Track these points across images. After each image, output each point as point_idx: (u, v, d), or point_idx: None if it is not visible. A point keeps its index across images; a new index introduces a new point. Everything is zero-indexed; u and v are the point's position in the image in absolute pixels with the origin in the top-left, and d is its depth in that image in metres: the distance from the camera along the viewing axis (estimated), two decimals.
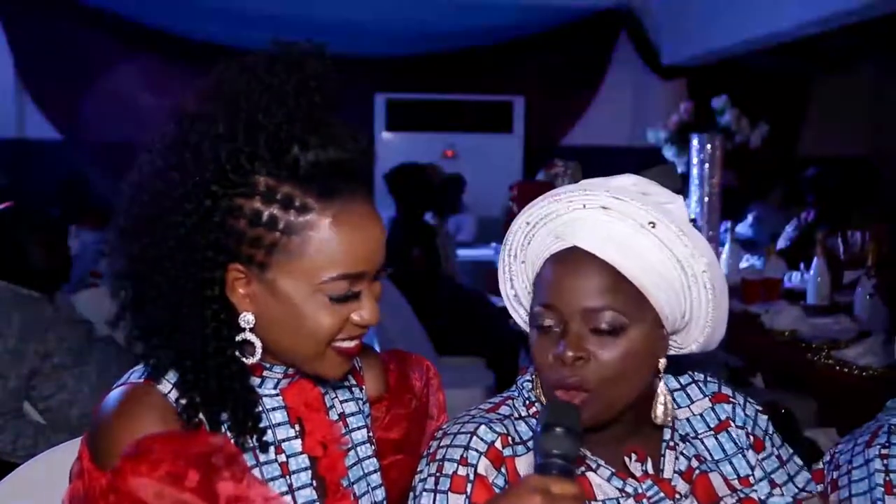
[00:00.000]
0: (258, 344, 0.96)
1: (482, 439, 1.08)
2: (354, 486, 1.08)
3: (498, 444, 1.08)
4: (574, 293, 1.05)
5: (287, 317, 0.95)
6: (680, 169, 4.89)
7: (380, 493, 1.12)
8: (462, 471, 1.06)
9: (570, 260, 1.06)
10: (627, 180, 1.09)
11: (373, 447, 1.14)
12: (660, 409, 1.10)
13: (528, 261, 1.14)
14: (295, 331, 0.95)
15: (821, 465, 1.26)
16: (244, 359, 0.98)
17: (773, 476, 1.16)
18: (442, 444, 1.10)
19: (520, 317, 1.21)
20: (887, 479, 1.16)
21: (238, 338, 0.96)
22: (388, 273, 1.05)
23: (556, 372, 1.06)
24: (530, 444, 1.11)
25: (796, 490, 1.18)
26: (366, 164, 0.98)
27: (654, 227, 1.03)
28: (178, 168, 0.92)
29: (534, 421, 1.13)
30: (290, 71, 0.93)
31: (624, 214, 1.04)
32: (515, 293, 1.19)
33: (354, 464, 1.10)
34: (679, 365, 1.20)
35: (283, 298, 0.94)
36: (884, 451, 1.18)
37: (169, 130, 0.95)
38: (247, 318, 0.95)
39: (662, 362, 1.10)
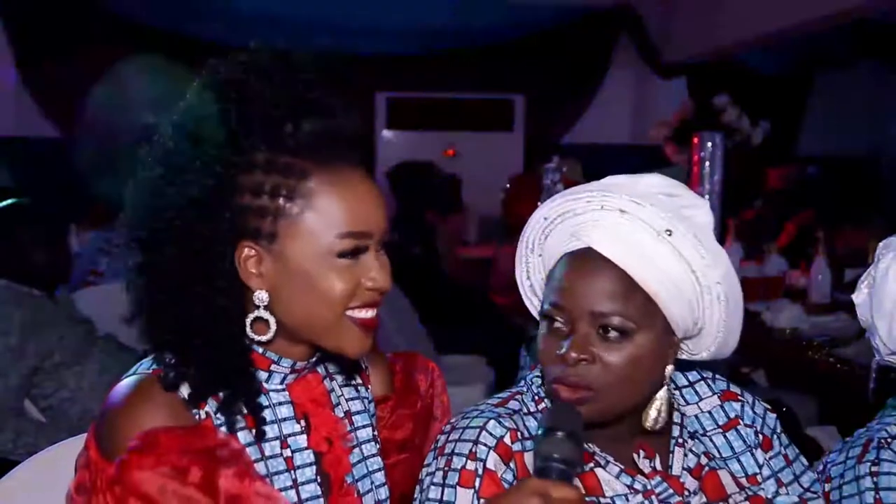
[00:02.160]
0: (272, 321, 0.97)
1: (491, 434, 1.08)
2: (358, 484, 1.08)
3: (507, 439, 1.08)
4: (584, 296, 1.04)
5: (300, 286, 0.96)
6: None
7: (383, 492, 1.12)
8: (471, 465, 1.06)
9: (584, 261, 1.06)
10: (655, 181, 1.08)
11: (377, 446, 1.14)
12: (652, 415, 1.09)
13: (546, 255, 1.14)
14: (309, 299, 0.97)
15: (814, 475, 1.26)
16: (256, 337, 0.98)
17: (779, 475, 1.16)
18: (451, 438, 1.10)
19: (534, 306, 1.21)
20: (877, 496, 1.16)
21: (251, 317, 0.97)
22: (393, 240, 1.08)
23: (558, 368, 1.06)
24: None
25: (801, 490, 1.17)
26: (356, 132, 1.01)
27: (670, 234, 1.03)
28: (179, 154, 0.95)
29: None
30: (275, 57, 0.98)
31: (641, 219, 1.04)
32: (531, 284, 1.19)
33: (359, 461, 1.10)
34: (686, 362, 1.21)
35: (294, 267, 0.96)
36: (874, 469, 1.17)
37: (169, 121, 0.99)
38: (261, 297, 0.97)
39: (670, 369, 1.10)
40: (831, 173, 4.39)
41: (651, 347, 1.05)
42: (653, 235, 1.03)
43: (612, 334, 1.04)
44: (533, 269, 1.17)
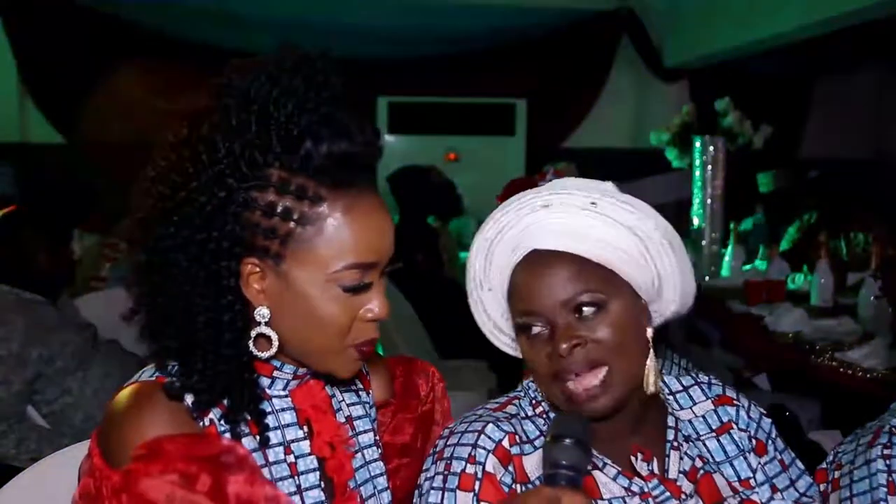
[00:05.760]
0: (275, 337, 0.97)
1: (490, 437, 1.10)
2: (361, 489, 1.09)
3: (505, 443, 1.10)
4: (548, 291, 1.07)
5: (301, 309, 0.95)
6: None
7: (386, 497, 1.12)
8: (470, 469, 1.07)
9: (533, 263, 1.10)
10: (563, 181, 1.13)
11: (379, 451, 1.14)
12: (651, 379, 1.12)
13: (496, 285, 1.16)
14: (308, 323, 0.96)
15: (824, 466, 1.27)
16: (258, 353, 0.98)
17: (774, 481, 1.17)
18: (449, 442, 1.11)
19: (504, 343, 1.23)
20: (890, 479, 1.16)
21: (253, 332, 0.97)
22: (397, 267, 1.07)
23: (556, 364, 1.07)
24: (537, 442, 1.12)
25: (797, 495, 1.18)
26: (374, 157, 0.99)
27: (595, 205, 1.07)
28: (192, 161, 0.93)
29: (541, 420, 1.15)
30: (297, 68, 0.94)
31: (565, 204, 1.08)
32: (494, 322, 1.21)
33: (361, 466, 1.10)
34: (686, 370, 1.22)
35: (297, 290, 0.95)
36: (886, 452, 1.18)
37: (181, 125, 0.97)
38: (262, 313, 0.96)
39: (649, 332, 1.13)
40: (833, 177, 4.38)
41: (627, 312, 1.09)
42: (580, 213, 1.08)
43: (587, 311, 1.06)
44: (489, 305, 1.19)
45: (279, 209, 0.92)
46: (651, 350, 1.13)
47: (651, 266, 1.10)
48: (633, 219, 1.07)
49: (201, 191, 0.92)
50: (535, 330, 1.09)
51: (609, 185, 1.12)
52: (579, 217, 1.08)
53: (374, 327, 1.00)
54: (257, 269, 0.95)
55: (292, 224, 0.93)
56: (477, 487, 1.06)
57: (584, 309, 1.06)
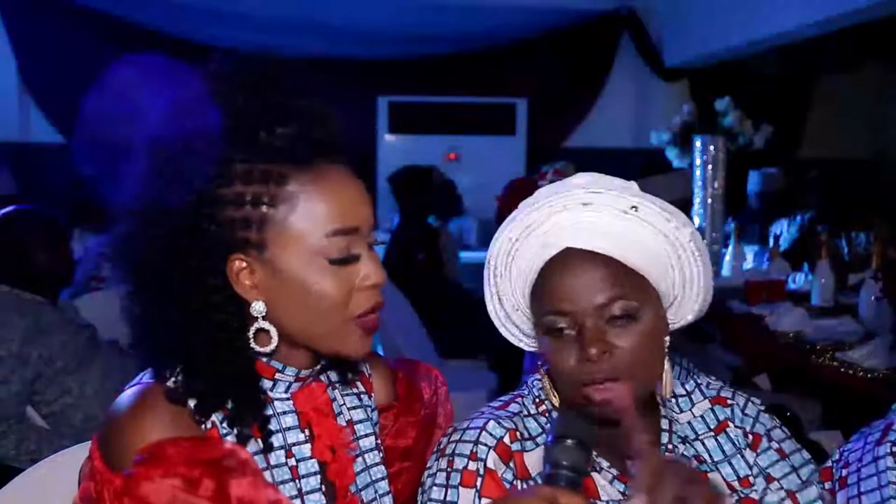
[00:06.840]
0: (273, 331, 0.97)
1: (491, 434, 1.10)
2: (362, 493, 1.08)
3: (506, 439, 1.10)
4: (582, 292, 1.05)
5: (294, 293, 0.95)
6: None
7: (388, 501, 1.12)
8: (472, 465, 1.08)
9: (568, 262, 1.07)
10: (583, 179, 1.10)
11: (381, 454, 1.14)
12: (668, 381, 1.11)
13: (514, 277, 1.14)
14: (305, 306, 0.96)
15: (829, 464, 1.26)
16: (260, 349, 0.98)
17: (769, 470, 1.16)
18: (452, 439, 1.12)
19: (512, 335, 1.21)
20: None
21: (252, 329, 0.97)
22: (382, 243, 1.06)
23: (583, 372, 1.05)
24: (539, 440, 1.13)
25: (800, 482, 1.17)
26: (330, 134, 0.99)
27: (636, 210, 1.05)
28: (160, 170, 0.94)
29: (543, 418, 1.15)
30: (242, 66, 0.97)
31: (605, 205, 1.06)
32: (506, 313, 1.19)
33: (362, 470, 1.10)
34: (687, 370, 1.22)
35: (285, 274, 0.95)
36: (895, 450, 1.18)
37: (147, 139, 0.98)
38: (258, 308, 0.96)
39: (667, 340, 1.12)
40: (833, 177, 4.38)
41: (655, 321, 1.07)
42: (621, 216, 1.05)
43: (620, 319, 1.05)
44: (505, 295, 1.16)
45: (248, 197, 0.94)
46: (669, 357, 1.12)
47: (677, 275, 1.09)
48: (671, 227, 1.06)
49: (172, 199, 0.93)
50: (562, 329, 1.07)
51: (633, 186, 1.10)
52: (618, 219, 1.05)
53: (375, 293, 0.99)
54: (244, 265, 0.95)
55: (264, 208, 0.94)
56: (479, 484, 1.07)
57: (618, 317, 1.05)
